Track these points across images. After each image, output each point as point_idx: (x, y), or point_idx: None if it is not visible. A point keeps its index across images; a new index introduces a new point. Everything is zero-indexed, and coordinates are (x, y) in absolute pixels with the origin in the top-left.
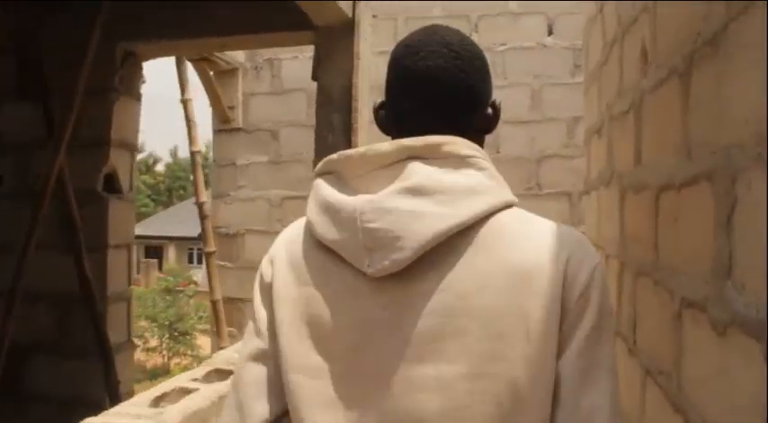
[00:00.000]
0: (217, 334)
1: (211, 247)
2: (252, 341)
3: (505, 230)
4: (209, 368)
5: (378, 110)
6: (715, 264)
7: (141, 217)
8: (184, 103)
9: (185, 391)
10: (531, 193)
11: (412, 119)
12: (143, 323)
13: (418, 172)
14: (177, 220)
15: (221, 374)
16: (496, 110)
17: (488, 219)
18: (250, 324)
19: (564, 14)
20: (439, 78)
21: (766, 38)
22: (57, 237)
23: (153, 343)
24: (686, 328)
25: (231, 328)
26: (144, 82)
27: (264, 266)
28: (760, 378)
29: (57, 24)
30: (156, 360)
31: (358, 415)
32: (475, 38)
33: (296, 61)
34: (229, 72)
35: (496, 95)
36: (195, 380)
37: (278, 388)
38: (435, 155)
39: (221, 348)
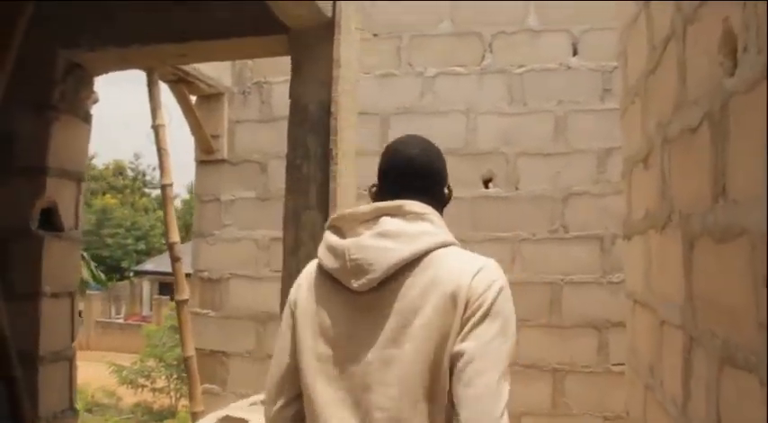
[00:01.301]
0: (190, 396)
1: (184, 295)
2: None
3: (441, 260)
4: (221, 414)
5: (371, 189)
6: None
7: (156, 253)
8: (156, 128)
9: None
10: (555, 237)
11: (391, 191)
12: (150, 363)
13: (387, 223)
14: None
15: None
16: (450, 191)
17: (431, 252)
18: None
19: (591, 31)
20: (414, 164)
21: None
22: None
23: (160, 383)
24: None
25: (213, 385)
26: (96, 101)
27: (292, 292)
28: None
29: None
30: (163, 401)
31: (349, 384)
32: (489, 59)
33: (287, 85)
34: (214, 97)
35: (516, 123)
36: None
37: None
38: (399, 213)
39: (193, 414)
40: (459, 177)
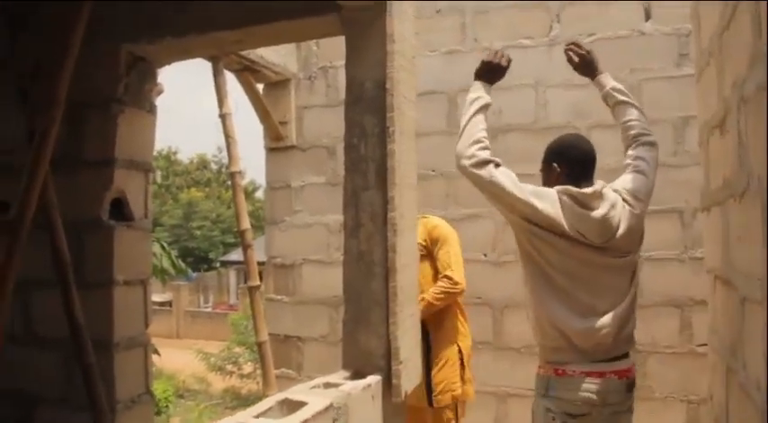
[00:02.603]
0: (263, 380)
1: (255, 281)
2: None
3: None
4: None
5: (552, 171)
6: None
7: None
8: (223, 117)
9: None
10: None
11: (586, 176)
12: (237, 350)
13: (610, 196)
14: None
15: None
16: None
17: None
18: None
19: None
20: (594, 155)
21: None
22: (51, 274)
23: (247, 369)
24: None
25: (289, 370)
26: (161, 92)
27: None
28: None
29: (43, 24)
30: (250, 387)
31: (591, 300)
32: (557, 29)
33: None
34: (280, 83)
35: (587, 95)
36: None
37: None
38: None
39: (267, 396)
40: (532, 153)
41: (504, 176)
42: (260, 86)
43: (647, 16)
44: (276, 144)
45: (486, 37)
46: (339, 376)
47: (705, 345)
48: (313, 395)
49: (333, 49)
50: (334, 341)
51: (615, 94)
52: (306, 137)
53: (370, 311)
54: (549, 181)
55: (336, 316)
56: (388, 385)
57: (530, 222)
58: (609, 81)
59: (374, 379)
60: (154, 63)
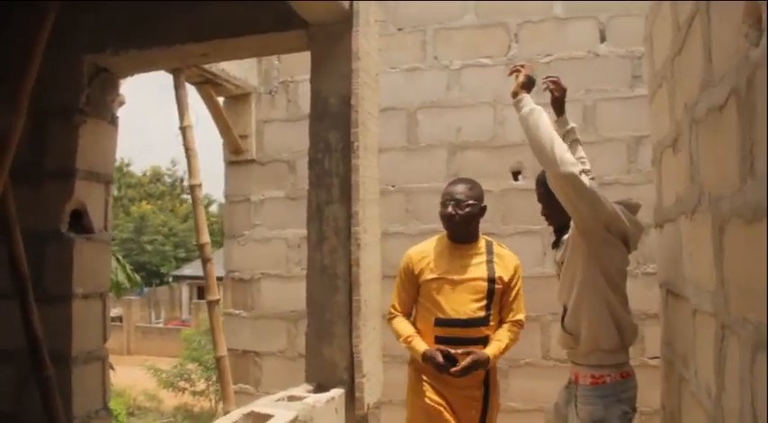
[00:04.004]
0: (222, 396)
1: (214, 296)
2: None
3: None
4: (246, 410)
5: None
6: None
7: (195, 258)
8: (183, 130)
9: None
10: None
11: None
12: (190, 366)
13: None
14: None
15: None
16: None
17: None
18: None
19: (618, 17)
20: None
21: None
22: (8, 286)
23: (200, 386)
24: None
25: (246, 385)
26: (122, 103)
27: None
28: None
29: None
30: (203, 404)
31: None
32: (515, 49)
33: None
34: (241, 97)
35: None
36: None
37: None
38: None
39: (226, 413)
40: (488, 170)
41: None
42: (220, 99)
43: (602, 38)
44: (236, 157)
45: (446, 55)
46: (302, 389)
47: (657, 358)
48: (278, 408)
49: (294, 64)
50: (292, 356)
51: (575, 132)
52: (266, 151)
53: (334, 325)
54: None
55: (295, 331)
56: (351, 398)
57: (608, 230)
58: (569, 120)
59: (338, 392)
60: (116, 74)
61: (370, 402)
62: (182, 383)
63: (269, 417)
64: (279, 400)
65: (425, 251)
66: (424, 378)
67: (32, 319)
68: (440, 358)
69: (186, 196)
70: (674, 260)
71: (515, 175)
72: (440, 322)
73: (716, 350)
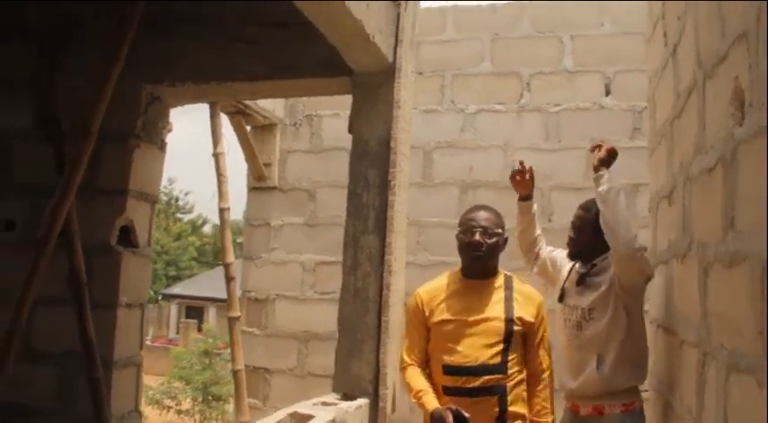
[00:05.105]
0: (236, 407)
1: (236, 312)
2: None
3: None
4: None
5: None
6: None
7: (185, 277)
8: (216, 156)
9: None
10: None
11: None
12: (177, 384)
13: None
14: (220, 282)
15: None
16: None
17: None
18: None
19: (623, 72)
20: None
21: None
22: (64, 292)
23: (186, 405)
24: None
25: (255, 400)
26: (170, 130)
27: None
28: None
29: (76, 62)
30: None
31: None
32: (527, 97)
33: (337, 119)
34: (267, 127)
35: (550, 158)
36: None
37: None
38: None
39: None
40: (499, 206)
41: None
42: (247, 128)
43: (607, 92)
44: (259, 184)
45: (462, 99)
46: (332, 397)
47: (646, 390)
48: (318, 410)
49: (318, 99)
50: (301, 374)
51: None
52: (287, 179)
53: (364, 343)
54: (597, 242)
55: (305, 350)
56: (375, 407)
57: (646, 283)
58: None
59: (364, 401)
60: (169, 103)
61: (389, 412)
62: (167, 401)
63: (311, 417)
64: (316, 403)
65: (437, 289)
66: None
67: (87, 325)
68: (449, 419)
69: (181, 215)
70: (666, 298)
71: None
72: (448, 370)
73: (698, 374)
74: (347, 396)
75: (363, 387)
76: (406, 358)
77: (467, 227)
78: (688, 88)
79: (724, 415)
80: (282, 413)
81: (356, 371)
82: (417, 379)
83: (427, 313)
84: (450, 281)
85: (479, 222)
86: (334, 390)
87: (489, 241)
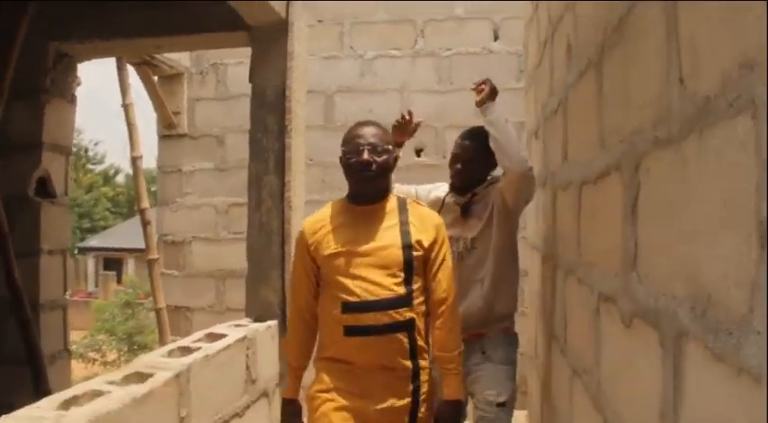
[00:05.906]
0: (160, 344)
1: (154, 255)
2: None
3: None
4: (128, 371)
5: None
6: (623, 255)
7: (100, 229)
8: (125, 107)
9: (97, 394)
10: None
11: None
12: (101, 337)
13: None
14: (137, 232)
15: (141, 377)
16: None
17: None
18: None
19: (509, 19)
20: None
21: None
22: None
23: (111, 357)
24: (603, 323)
25: (178, 337)
26: (79, 84)
27: None
28: (659, 366)
29: None
30: None
31: None
32: (420, 42)
33: (241, 67)
34: (174, 77)
35: (444, 100)
36: (112, 383)
37: None
38: None
39: None
40: None
41: None
42: (155, 79)
43: (496, 37)
44: (169, 132)
45: (360, 45)
46: (245, 321)
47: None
48: (230, 330)
49: (223, 49)
50: (219, 310)
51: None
52: (197, 126)
53: (270, 271)
54: (487, 167)
55: (223, 287)
56: (283, 327)
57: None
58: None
59: (273, 322)
60: (77, 59)
61: None
62: (92, 354)
63: (224, 335)
64: (229, 326)
65: (321, 220)
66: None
67: (13, 271)
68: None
69: (91, 167)
70: (535, 222)
71: (418, 152)
72: (348, 307)
73: (551, 283)
74: (259, 319)
75: (272, 311)
76: (297, 309)
77: (353, 145)
78: (545, 40)
79: (564, 314)
80: (200, 334)
81: (264, 296)
82: (294, 347)
83: (313, 247)
84: (336, 210)
85: (367, 139)
86: (247, 315)
87: (379, 159)
